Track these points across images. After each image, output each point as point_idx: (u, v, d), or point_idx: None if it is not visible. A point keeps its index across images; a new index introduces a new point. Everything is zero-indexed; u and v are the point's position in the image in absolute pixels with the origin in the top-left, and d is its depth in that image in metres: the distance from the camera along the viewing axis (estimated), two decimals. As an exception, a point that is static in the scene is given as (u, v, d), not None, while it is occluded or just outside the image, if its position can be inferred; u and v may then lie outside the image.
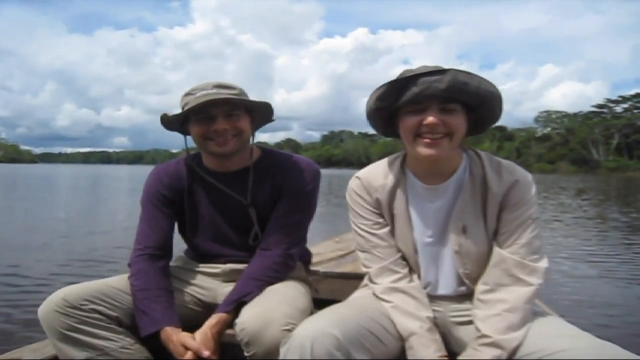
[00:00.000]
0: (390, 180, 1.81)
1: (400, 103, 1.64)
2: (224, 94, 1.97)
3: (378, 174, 1.85)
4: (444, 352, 1.63)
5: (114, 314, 1.86)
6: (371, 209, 1.84)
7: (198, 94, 1.96)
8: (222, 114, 1.97)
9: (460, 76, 1.57)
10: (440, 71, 1.58)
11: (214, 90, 1.97)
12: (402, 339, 1.66)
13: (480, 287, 1.70)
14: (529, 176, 1.73)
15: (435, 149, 1.63)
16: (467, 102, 1.63)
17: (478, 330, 1.59)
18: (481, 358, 1.51)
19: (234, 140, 2.01)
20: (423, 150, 1.64)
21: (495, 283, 1.66)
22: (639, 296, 5.58)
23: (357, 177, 1.88)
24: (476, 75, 1.59)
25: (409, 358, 1.63)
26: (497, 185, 1.70)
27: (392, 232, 1.83)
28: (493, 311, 1.60)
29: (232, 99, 1.97)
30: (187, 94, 2.00)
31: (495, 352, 1.50)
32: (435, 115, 1.61)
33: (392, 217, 1.82)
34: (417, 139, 1.65)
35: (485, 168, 1.73)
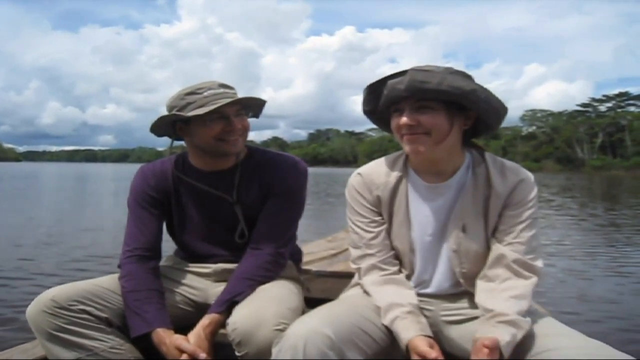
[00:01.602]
0: (392, 177, 1.82)
1: (380, 107, 1.72)
2: (231, 93, 1.99)
3: (380, 171, 1.85)
4: (429, 333, 1.60)
5: (104, 314, 1.84)
6: (369, 206, 1.84)
7: (206, 93, 1.94)
8: (234, 114, 1.97)
9: (418, 76, 1.60)
10: (401, 72, 1.63)
11: (222, 90, 1.97)
12: (394, 337, 1.64)
13: (482, 283, 1.71)
14: (532, 177, 1.75)
15: (415, 145, 1.66)
16: (443, 99, 1.63)
17: (490, 310, 1.56)
18: (501, 336, 1.46)
19: (241, 139, 2.02)
20: (407, 148, 1.69)
21: (498, 277, 1.67)
22: (622, 292, 5.63)
23: (358, 173, 1.89)
24: (440, 73, 1.61)
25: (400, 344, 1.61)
26: (501, 186, 1.71)
27: (389, 230, 1.84)
28: (504, 295, 1.60)
29: (251, 99, 2.01)
30: (191, 93, 1.96)
31: (513, 330, 1.48)
32: (408, 115, 1.65)
33: (391, 214, 1.83)
34: (403, 137, 1.69)
35: (489, 168, 1.74)
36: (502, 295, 1.60)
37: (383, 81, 1.67)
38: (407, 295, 1.72)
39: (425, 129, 1.64)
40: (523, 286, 1.62)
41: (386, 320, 1.65)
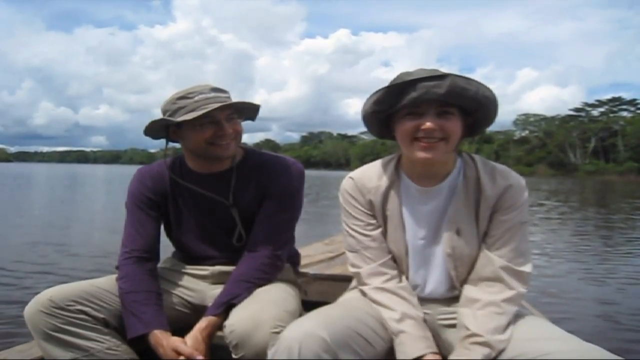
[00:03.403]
0: (384, 181, 1.82)
1: (398, 107, 1.65)
2: (223, 97, 1.98)
3: (372, 175, 1.85)
4: (435, 349, 1.62)
5: (101, 315, 1.85)
6: (364, 210, 1.84)
7: (197, 98, 1.94)
8: (225, 118, 1.97)
9: (459, 81, 1.58)
10: (439, 76, 1.58)
11: (213, 94, 1.97)
12: (390, 341, 1.65)
13: (467, 288, 1.72)
14: (522, 181, 1.75)
15: (432, 152, 1.64)
16: (464, 106, 1.65)
17: (467, 329, 1.59)
18: (473, 357, 1.51)
19: (233, 143, 2.02)
20: (420, 154, 1.65)
21: (483, 284, 1.68)
22: (611, 292, 5.69)
23: (350, 177, 1.88)
24: (474, 81, 1.61)
25: (398, 356, 1.61)
26: (490, 189, 1.71)
27: (383, 234, 1.83)
28: (482, 311, 1.61)
29: (242, 103, 2.01)
30: (182, 97, 1.96)
31: (486, 351, 1.51)
32: (432, 120, 1.62)
33: (384, 218, 1.82)
34: (414, 143, 1.66)
35: (479, 171, 1.74)
36: (481, 312, 1.61)
37: (412, 82, 1.60)
38: (412, 307, 1.72)
39: (444, 134, 1.63)
40: (507, 298, 1.63)
41: (392, 328, 1.65)
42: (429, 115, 1.62)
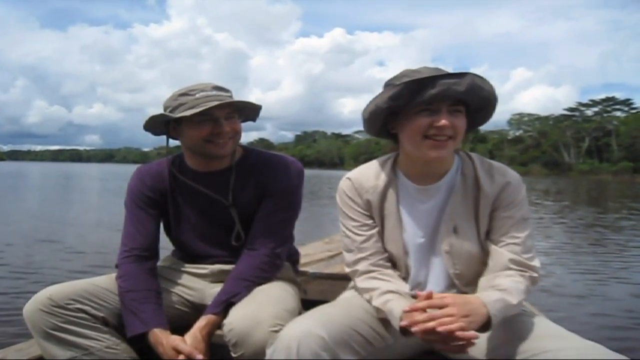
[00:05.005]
0: (381, 181, 1.82)
1: (414, 103, 1.63)
2: (224, 96, 1.99)
3: (369, 175, 1.85)
4: None
5: (100, 314, 1.85)
6: (360, 210, 1.84)
7: (198, 95, 1.94)
8: (224, 116, 1.97)
9: (477, 80, 1.61)
10: (459, 74, 1.60)
11: (214, 92, 1.97)
12: (390, 339, 1.66)
13: (482, 280, 1.71)
14: (518, 177, 1.76)
15: (442, 151, 1.65)
16: (475, 105, 1.67)
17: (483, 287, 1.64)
18: (487, 297, 1.52)
19: (231, 142, 2.02)
20: (430, 152, 1.66)
21: (495, 276, 1.67)
22: (604, 290, 5.72)
23: (347, 178, 1.88)
24: (487, 80, 1.64)
25: (393, 323, 1.59)
26: (489, 186, 1.72)
27: (381, 234, 1.84)
28: (505, 280, 1.62)
29: (242, 103, 2.01)
30: (183, 94, 1.97)
31: (503, 295, 1.53)
32: (446, 117, 1.62)
33: (382, 218, 1.83)
34: (425, 141, 1.65)
35: (477, 169, 1.75)
36: (502, 279, 1.62)
37: (432, 79, 1.59)
38: (400, 285, 1.73)
39: (454, 132, 1.64)
40: (522, 281, 1.63)
41: (378, 303, 1.65)
42: (443, 112, 1.63)
